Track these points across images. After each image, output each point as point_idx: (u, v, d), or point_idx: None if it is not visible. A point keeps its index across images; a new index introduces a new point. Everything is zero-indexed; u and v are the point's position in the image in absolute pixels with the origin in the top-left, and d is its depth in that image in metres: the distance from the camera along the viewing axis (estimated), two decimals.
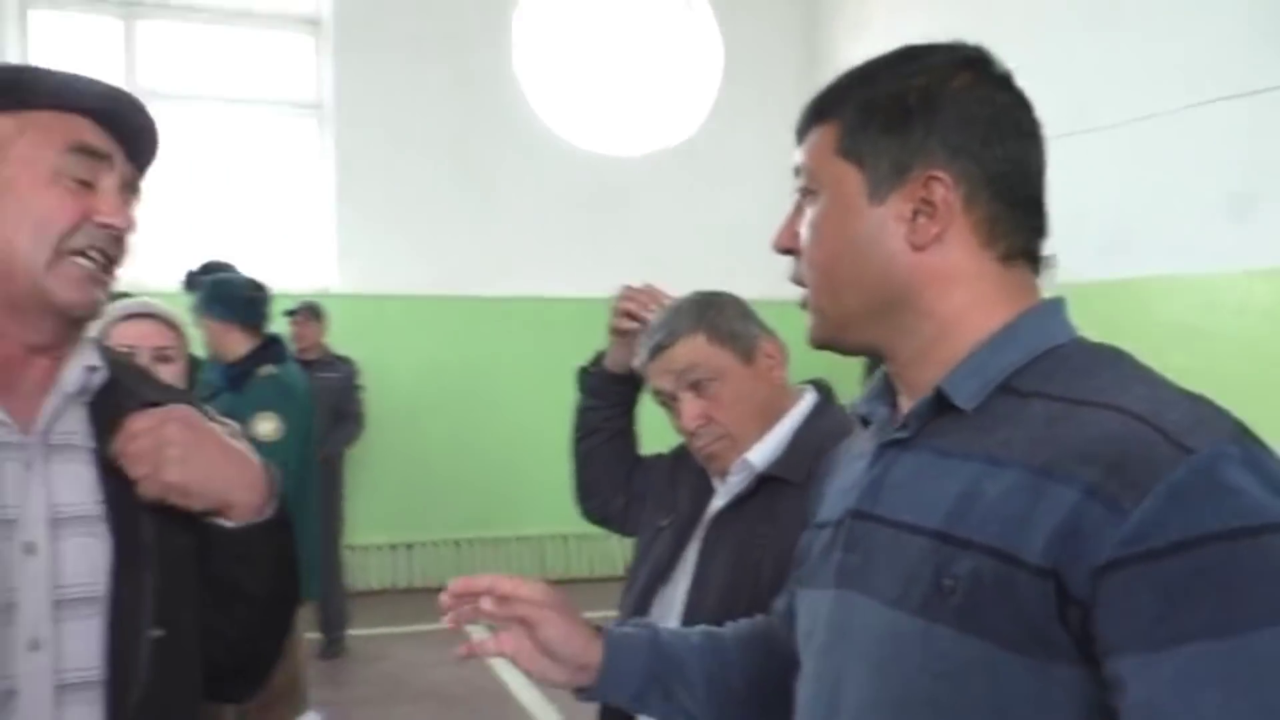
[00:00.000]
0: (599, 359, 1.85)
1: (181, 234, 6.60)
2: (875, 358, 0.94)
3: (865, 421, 0.99)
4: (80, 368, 1.13)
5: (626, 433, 1.87)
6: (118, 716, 1.05)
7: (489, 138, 7.06)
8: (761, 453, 1.52)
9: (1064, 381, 0.83)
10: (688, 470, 1.67)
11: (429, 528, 6.78)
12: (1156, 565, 0.71)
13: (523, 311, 6.94)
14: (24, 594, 1.04)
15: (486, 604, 1.10)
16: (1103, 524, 0.73)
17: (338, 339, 5.87)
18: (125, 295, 3.36)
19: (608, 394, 1.84)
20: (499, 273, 6.96)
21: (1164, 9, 5.00)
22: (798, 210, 0.94)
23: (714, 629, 1.21)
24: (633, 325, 1.69)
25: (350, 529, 5.90)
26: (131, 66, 6.72)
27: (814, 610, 0.95)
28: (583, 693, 1.13)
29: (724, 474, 1.56)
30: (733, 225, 6.88)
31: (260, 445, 3.28)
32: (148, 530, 1.10)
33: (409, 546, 6.80)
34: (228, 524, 1.12)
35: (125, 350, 1.95)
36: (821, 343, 0.95)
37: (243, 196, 6.92)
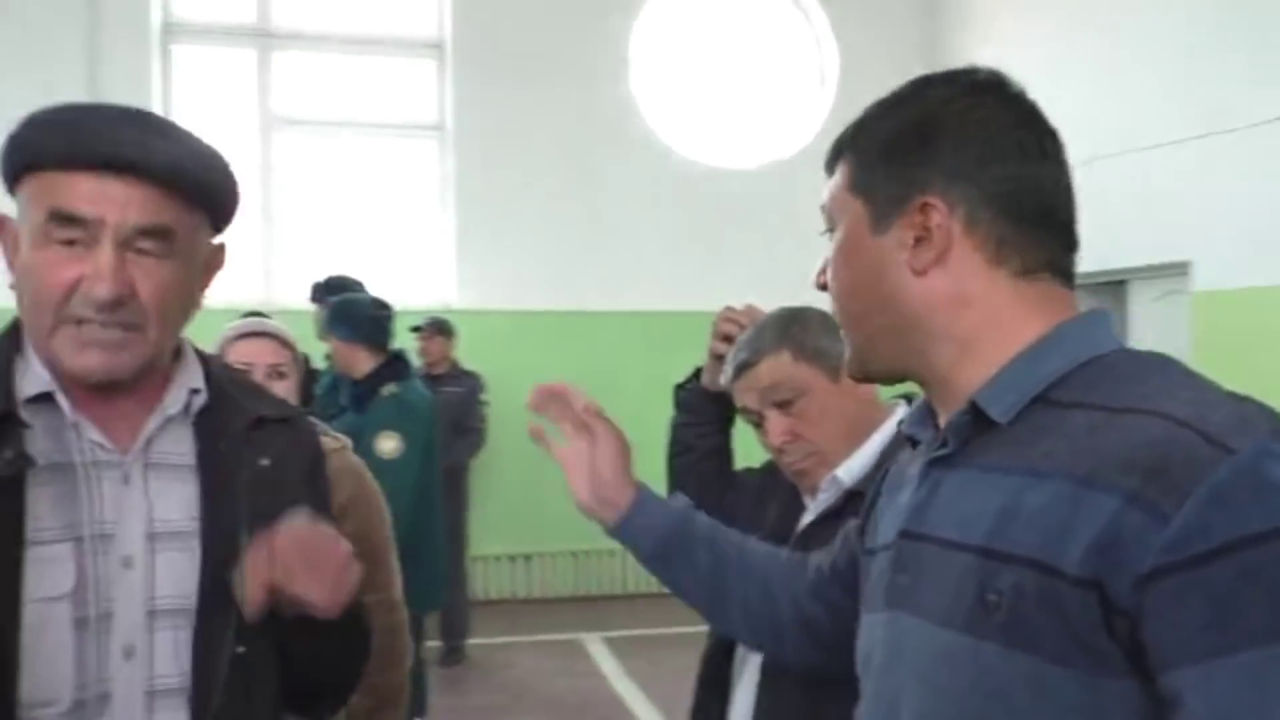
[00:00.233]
0: (696, 376, 1.85)
1: (312, 253, 6.86)
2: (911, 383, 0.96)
3: (914, 443, 0.99)
4: (183, 389, 1.16)
5: (721, 450, 1.86)
6: None
7: (605, 153, 7.14)
8: (850, 469, 1.50)
9: (1107, 390, 0.81)
10: (778, 486, 1.66)
11: (548, 539, 6.85)
12: (1202, 571, 0.69)
13: (638, 326, 6.98)
14: (120, 605, 1.09)
15: (579, 403, 1.27)
16: (1144, 531, 0.71)
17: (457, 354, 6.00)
18: (257, 314, 3.53)
19: (703, 411, 1.83)
20: (615, 287, 7.02)
21: None
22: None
23: (755, 543, 1.29)
24: (727, 349, 1.69)
25: (473, 539, 6.02)
26: (265, 95, 7.02)
27: (871, 633, 0.95)
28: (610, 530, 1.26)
29: (813, 490, 1.55)
30: None
31: (382, 462, 3.42)
32: (238, 550, 1.12)
33: (527, 558, 6.90)
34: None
35: (242, 367, 2.04)
36: (856, 375, 0.98)
37: (368, 216, 7.15)
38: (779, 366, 1.51)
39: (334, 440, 2.25)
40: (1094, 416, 0.80)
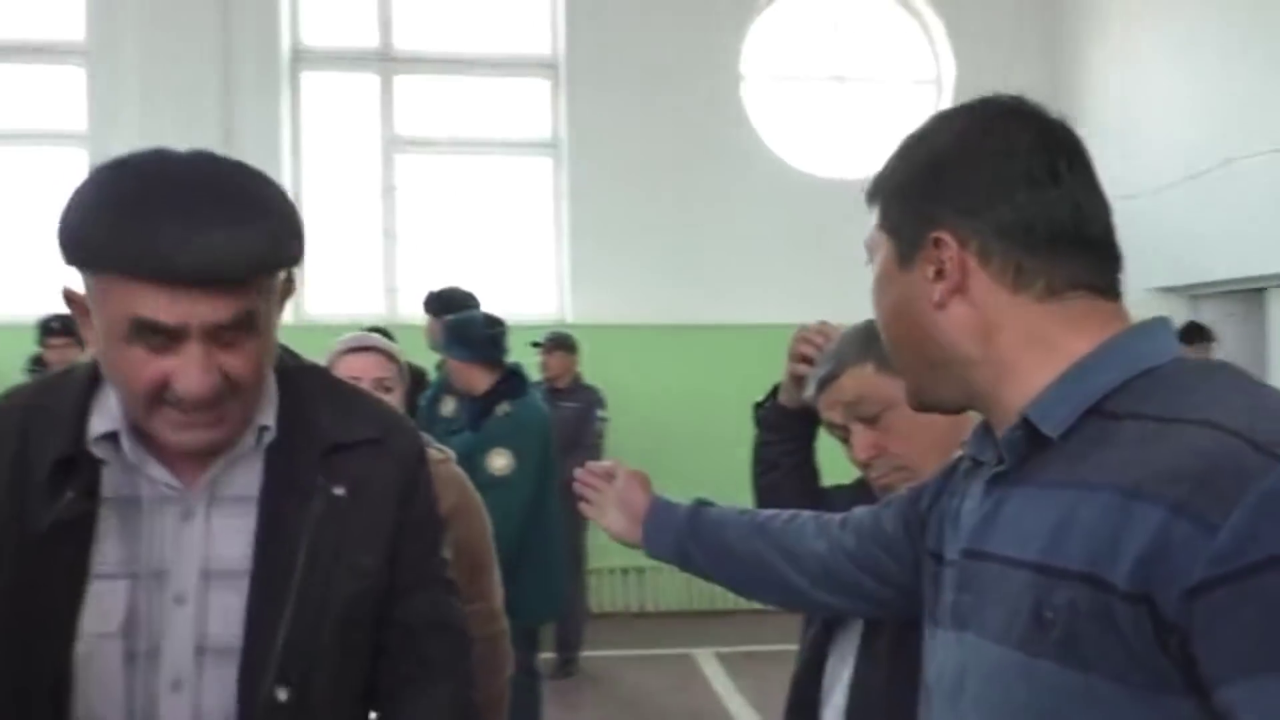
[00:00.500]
0: (774, 393, 1.82)
1: (432, 270, 7.05)
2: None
3: (977, 463, 0.98)
4: (253, 428, 1.14)
5: (805, 466, 1.83)
6: None
7: (717, 166, 7.15)
8: None
9: (1160, 401, 0.80)
10: (868, 502, 1.62)
11: None
12: (1252, 582, 0.67)
13: (752, 339, 6.93)
14: (169, 640, 1.10)
15: (603, 484, 1.45)
16: (1191, 542, 0.69)
17: None
18: (378, 329, 3.64)
19: (784, 429, 1.80)
20: (728, 300, 7.00)
21: None
22: None
23: (774, 514, 1.38)
24: (806, 370, 1.66)
25: (590, 552, 6.06)
26: (388, 117, 7.26)
27: (942, 652, 0.95)
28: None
29: None
30: None
31: (493, 479, 3.48)
32: (290, 586, 1.11)
33: (641, 571, 6.92)
34: None
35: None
36: (914, 406, 1.00)
37: (484, 233, 7.31)
38: (862, 379, 1.48)
39: (437, 452, 2.31)
40: (1145, 427, 0.79)
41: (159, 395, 1.03)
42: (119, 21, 6.68)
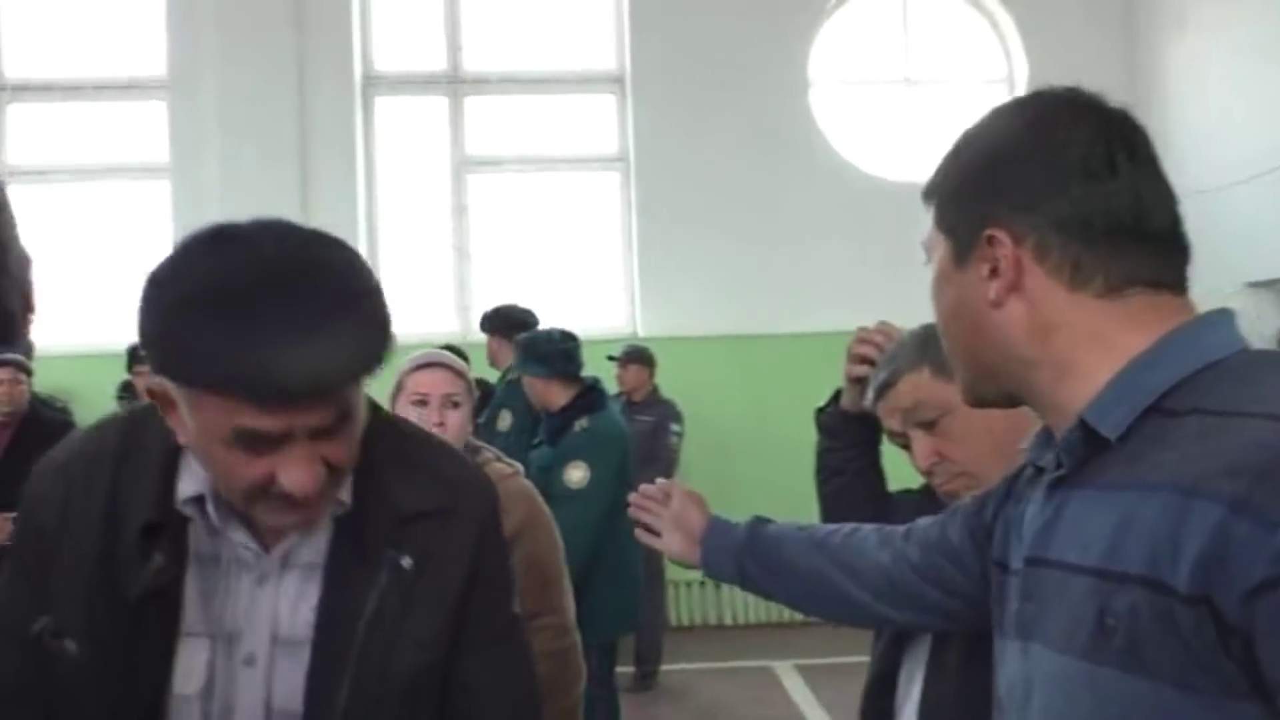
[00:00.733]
0: (836, 398, 1.80)
1: (503, 287, 7.13)
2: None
3: (1039, 470, 0.95)
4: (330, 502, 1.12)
5: (870, 472, 1.80)
6: None
7: (786, 174, 7.10)
8: None
9: (1223, 394, 0.76)
10: (936, 508, 1.58)
11: None
12: None
13: (824, 347, 6.83)
14: (240, 701, 1.11)
15: (659, 506, 1.46)
16: (1251, 541, 0.66)
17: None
18: (450, 347, 3.68)
19: (846, 435, 1.78)
20: (799, 309, 6.94)
21: None
22: None
23: (834, 529, 1.36)
24: (867, 372, 1.63)
25: (668, 564, 6.03)
26: (458, 138, 7.36)
27: (1009, 664, 0.92)
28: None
29: None
30: None
31: (570, 491, 3.51)
32: (349, 657, 1.09)
33: (717, 585, 6.87)
34: None
35: (418, 397, 2.14)
36: (969, 401, 0.99)
37: (554, 248, 7.37)
38: (919, 385, 1.45)
39: (506, 466, 2.32)
40: (1205, 422, 0.76)
41: (262, 490, 1.02)
42: (199, 56, 6.89)
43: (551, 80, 7.41)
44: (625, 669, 5.52)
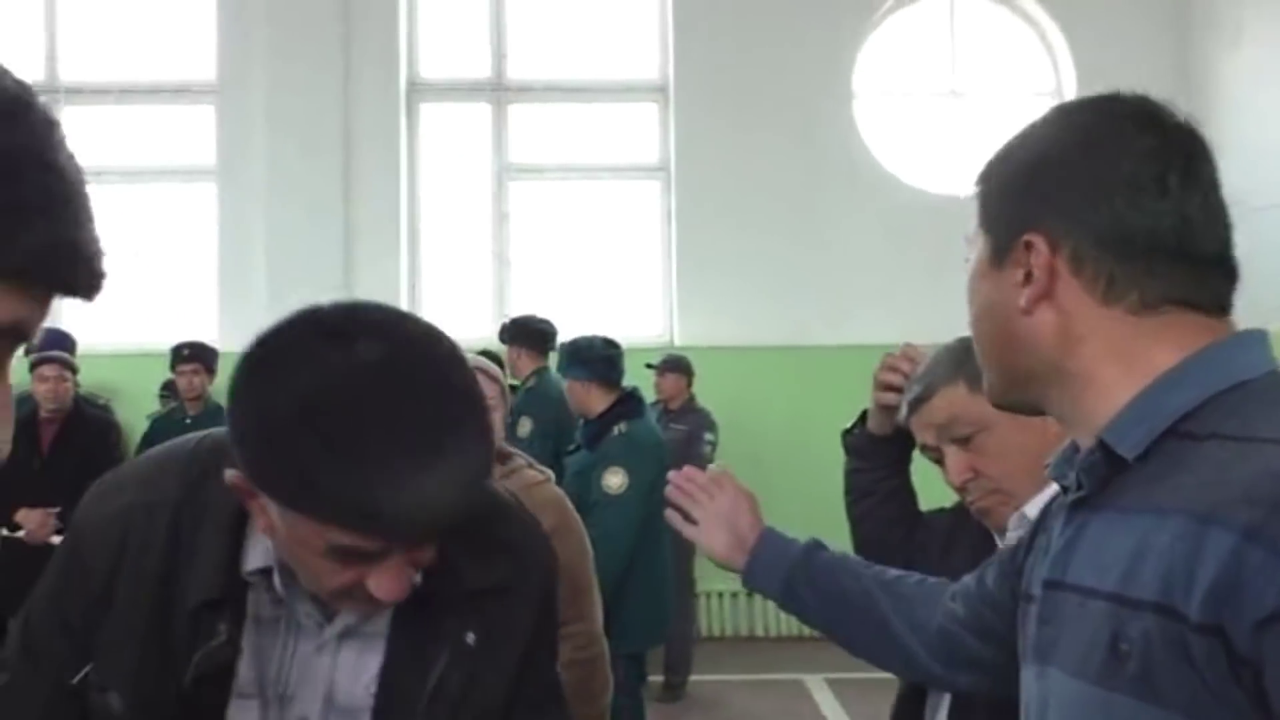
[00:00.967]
0: (863, 419, 1.78)
1: (543, 294, 7.16)
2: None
3: (1065, 488, 0.92)
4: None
5: (900, 492, 1.78)
6: None
7: (828, 185, 7.07)
8: (1039, 505, 1.39)
9: (1245, 419, 0.74)
10: (968, 526, 1.56)
11: None
12: None
13: (863, 359, 6.80)
14: None
15: (710, 478, 1.41)
16: (1264, 570, 0.65)
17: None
18: (488, 353, 3.71)
19: (875, 456, 1.76)
20: (839, 320, 6.90)
21: None
22: None
23: (901, 575, 1.32)
24: (894, 400, 1.61)
25: (699, 575, 6.03)
26: (500, 146, 7.40)
27: (1028, 688, 0.90)
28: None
29: (1002, 530, 1.45)
30: None
31: (608, 497, 3.52)
32: None
33: (750, 595, 6.83)
34: None
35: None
36: (995, 403, 0.97)
37: (594, 257, 7.39)
38: (954, 400, 1.43)
39: (537, 473, 2.32)
40: (1227, 448, 0.74)
41: (347, 592, 0.98)
42: (248, 61, 6.99)
43: (594, 89, 7.43)
44: (655, 678, 5.51)
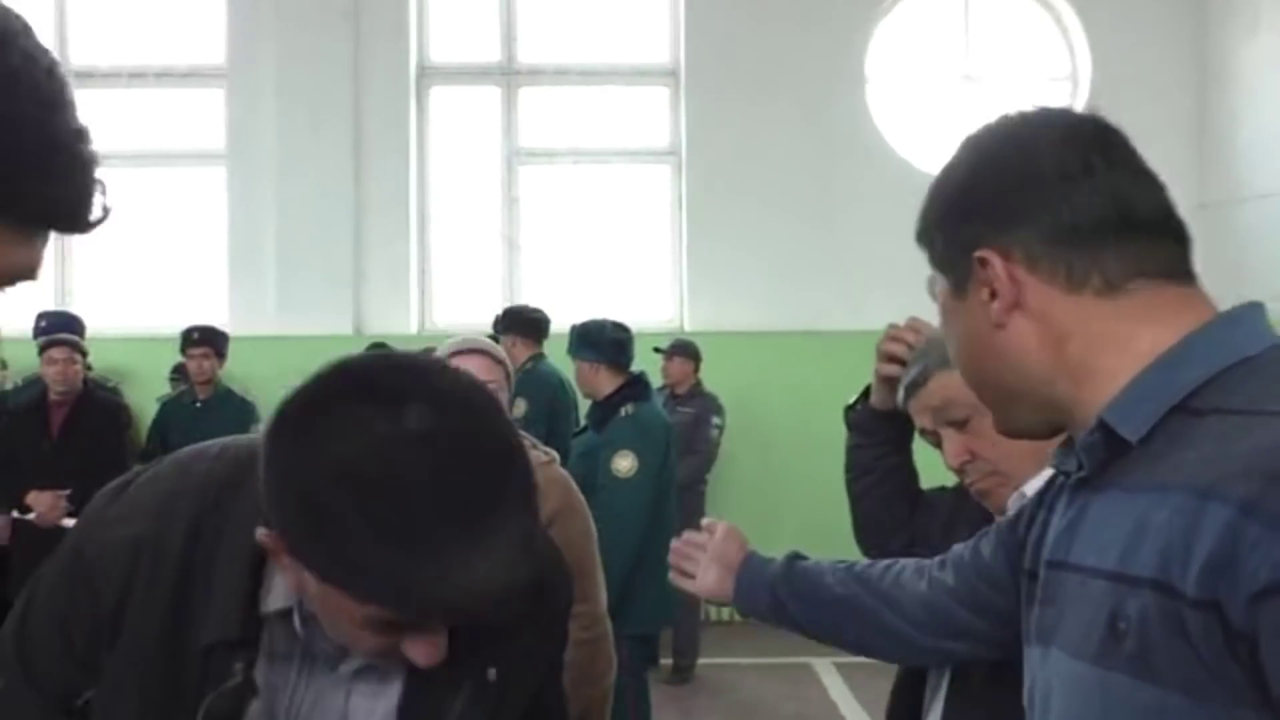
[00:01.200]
0: (866, 395, 1.76)
1: (553, 279, 7.16)
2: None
3: (1067, 475, 0.92)
4: None
5: (901, 470, 1.77)
6: None
7: (840, 170, 7.03)
8: (1038, 486, 1.38)
9: (1248, 393, 0.74)
10: (969, 506, 1.55)
11: None
12: None
13: (874, 345, 6.79)
14: None
15: (698, 551, 1.45)
16: (1260, 544, 0.64)
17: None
18: (494, 337, 3.72)
19: (877, 432, 1.75)
20: (851, 306, 6.86)
21: None
22: None
23: (870, 563, 1.36)
24: (897, 371, 1.59)
25: None
26: (510, 129, 7.38)
27: (1031, 670, 0.90)
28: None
29: (1001, 511, 1.43)
30: None
31: (617, 480, 3.55)
32: None
33: None
34: None
35: None
36: (1007, 434, 0.97)
37: (604, 241, 7.37)
38: (949, 384, 1.40)
39: (541, 454, 2.32)
40: (1226, 422, 0.73)
41: (381, 654, 0.96)
42: (258, 44, 6.98)
43: (605, 73, 7.40)
44: (664, 661, 5.52)
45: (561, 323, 4.81)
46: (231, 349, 5.59)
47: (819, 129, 7.02)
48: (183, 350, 5.45)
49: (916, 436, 1.67)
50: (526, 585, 0.89)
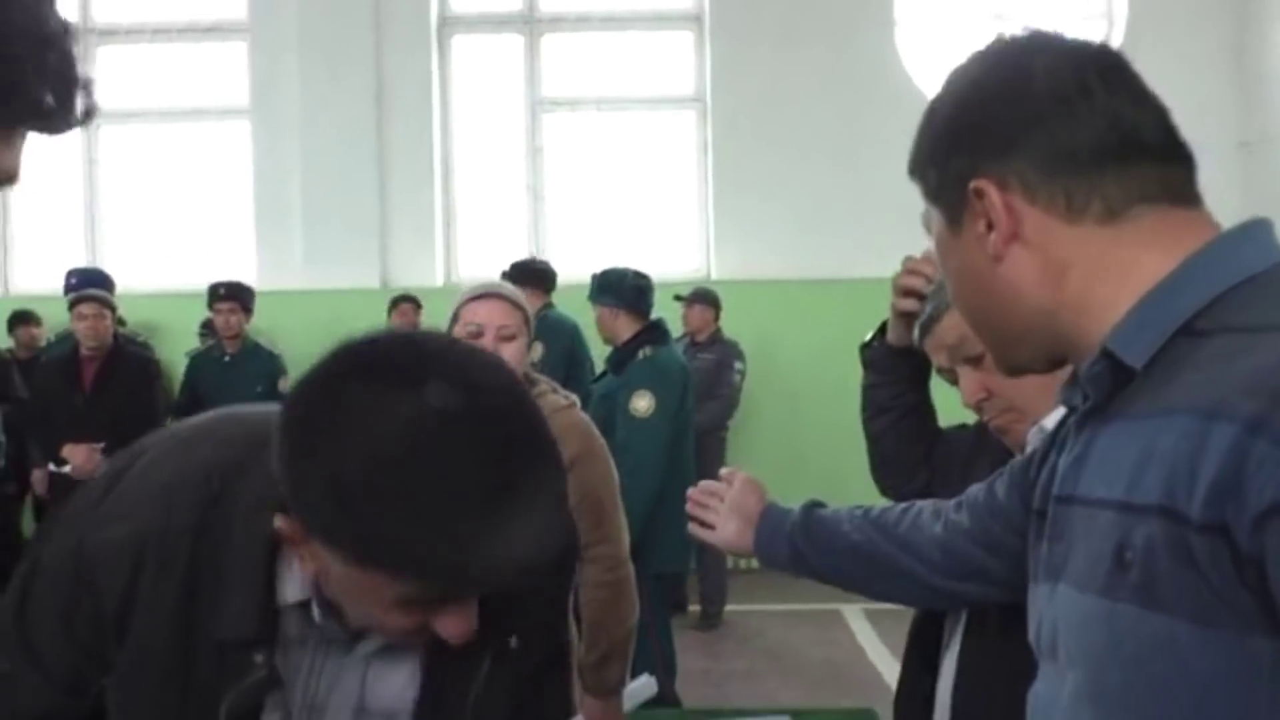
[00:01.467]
0: (883, 332, 1.74)
1: (577, 227, 7.13)
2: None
3: (1074, 409, 0.89)
4: None
5: (919, 408, 1.74)
6: None
7: (867, 115, 6.90)
8: (1056, 419, 1.36)
9: (1256, 310, 0.71)
10: (989, 444, 1.53)
11: None
12: None
13: None
14: None
15: (716, 500, 1.45)
16: (1266, 463, 0.62)
17: None
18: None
19: (893, 370, 1.72)
20: (879, 253, 6.74)
21: None
22: None
23: (888, 506, 1.35)
24: (914, 306, 1.57)
25: None
26: (533, 78, 7.32)
27: (1038, 608, 0.88)
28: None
29: (1020, 448, 1.41)
30: None
31: (636, 420, 3.59)
32: None
33: None
34: None
35: (473, 328, 2.10)
36: (1006, 372, 0.96)
37: (629, 189, 7.32)
38: (963, 321, 1.40)
39: (562, 399, 2.31)
40: (1234, 340, 0.71)
41: (409, 633, 0.95)
42: None
43: (628, 18, 7.31)
44: (692, 608, 5.56)
45: (587, 273, 4.82)
46: (259, 303, 5.63)
47: (846, 73, 6.91)
48: (210, 305, 5.50)
49: (934, 375, 1.65)
50: (564, 550, 0.90)
